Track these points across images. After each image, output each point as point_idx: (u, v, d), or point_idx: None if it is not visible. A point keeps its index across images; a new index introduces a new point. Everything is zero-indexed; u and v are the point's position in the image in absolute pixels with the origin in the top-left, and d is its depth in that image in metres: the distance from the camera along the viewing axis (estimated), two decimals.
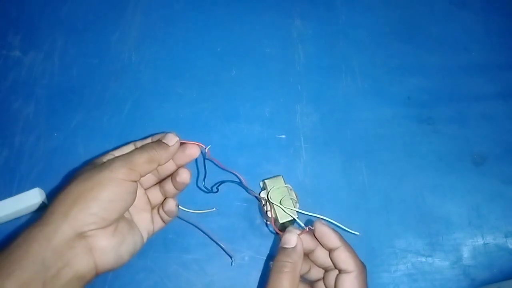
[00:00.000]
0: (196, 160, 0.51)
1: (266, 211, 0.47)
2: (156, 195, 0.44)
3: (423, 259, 0.49)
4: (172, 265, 0.47)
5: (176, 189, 0.43)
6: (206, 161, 0.49)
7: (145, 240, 0.41)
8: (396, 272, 0.48)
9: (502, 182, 0.53)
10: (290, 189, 0.47)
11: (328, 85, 0.58)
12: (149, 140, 0.42)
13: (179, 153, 0.42)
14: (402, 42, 0.62)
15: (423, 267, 0.49)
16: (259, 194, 0.48)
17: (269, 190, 0.47)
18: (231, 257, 0.47)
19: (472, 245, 0.50)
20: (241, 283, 0.47)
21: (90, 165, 0.37)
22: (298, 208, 0.46)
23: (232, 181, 0.50)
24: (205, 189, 0.50)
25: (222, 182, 0.50)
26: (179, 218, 0.48)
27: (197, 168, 0.51)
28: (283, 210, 0.46)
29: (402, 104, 0.58)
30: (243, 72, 0.59)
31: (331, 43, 0.61)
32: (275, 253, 0.48)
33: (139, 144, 0.41)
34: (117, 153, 0.40)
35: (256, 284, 0.47)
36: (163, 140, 0.40)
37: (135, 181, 0.37)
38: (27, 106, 0.55)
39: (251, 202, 0.50)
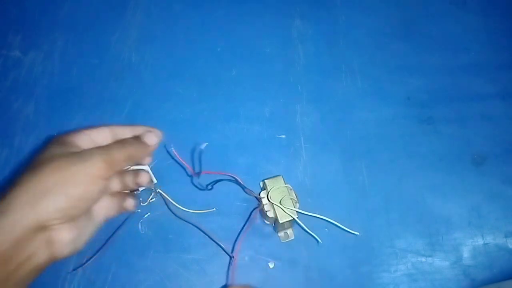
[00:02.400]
0: (192, 156, 0.51)
1: (266, 211, 0.47)
2: (115, 183, 0.41)
3: (423, 259, 0.49)
4: (172, 265, 0.47)
5: (136, 185, 0.41)
6: (203, 159, 0.50)
7: (101, 224, 0.39)
8: (396, 272, 0.48)
9: (502, 182, 0.53)
10: (290, 189, 0.47)
11: (328, 85, 0.58)
12: (127, 130, 0.39)
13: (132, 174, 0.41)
14: (402, 42, 0.62)
15: (423, 267, 0.49)
16: (259, 194, 0.48)
17: (269, 190, 0.47)
18: (231, 257, 0.47)
19: (472, 245, 0.50)
20: (241, 283, 0.47)
21: (63, 146, 0.35)
22: (298, 208, 0.46)
23: (230, 180, 0.50)
24: (199, 187, 0.50)
25: (218, 180, 0.50)
26: (179, 218, 0.49)
27: (193, 165, 0.51)
28: (283, 210, 0.46)
29: (402, 104, 0.58)
30: (243, 72, 0.59)
31: (331, 43, 0.62)
32: (275, 253, 0.48)
33: (116, 129, 0.39)
34: (93, 134, 0.37)
35: (256, 284, 0.47)
36: (144, 139, 0.38)
37: (108, 178, 0.35)
38: (27, 106, 0.55)
39: (251, 202, 0.50)
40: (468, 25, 0.64)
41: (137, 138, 0.38)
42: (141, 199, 0.49)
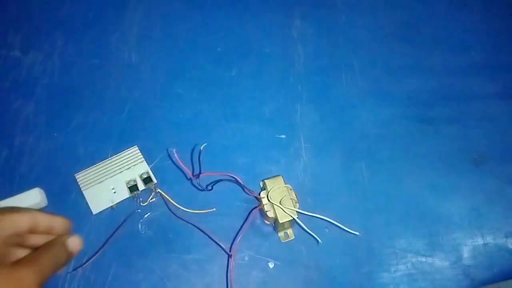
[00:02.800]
0: (192, 156, 0.52)
1: (266, 211, 0.47)
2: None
3: (423, 259, 0.49)
4: (172, 265, 0.47)
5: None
6: (203, 159, 0.50)
7: None
8: (396, 272, 0.48)
9: (502, 182, 0.53)
10: (290, 189, 0.47)
11: (328, 85, 0.58)
12: (47, 220, 0.33)
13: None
14: (402, 42, 0.62)
15: (423, 267, 0.49)
16: (259, 194, 0.48)
17: (269, 190, 0.47)
18: (229, 255, 0.47)
19: (472, 245, 0.50)
20: (241, 283, 0.47)
21: None
22: (298, 208, 0.46)
23: (230, 180, 0.50)
24: (199, 187, 0.50)
25: (218, 181, 0.50)
26: (179, 218, 0.49)
27: (193, 166, 0.51)
28: (283, 210, 0.46)
29: (402, 104, 0.58)
30: (243, 72, 0.59)
31: (331, 43, 0.61)
32: (275, 253, 0.48)
33: (37, 216, 0.32)
34: (14, 217, 0.31)
35: (256, 284, 0.47)
36: (70, 248, 0.32)
37: None
38: (27, 106, 0.55)
39: (251, 202, 0.50)
40: (468, 25, 0.64)
41: (63, 246, 0.32)
42: (141, 199, 0.49)
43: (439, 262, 0.49)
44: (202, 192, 0.50)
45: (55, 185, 0.50)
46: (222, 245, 0.48)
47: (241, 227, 0.49)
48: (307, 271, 0.48)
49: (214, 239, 0.48)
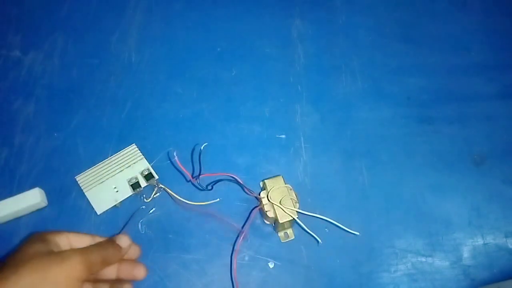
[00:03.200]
0: (192, 156, 0.52)
1: (266, 211, 0.47)
2: (109, 273, 0.40)
3: (423, 259, 0.49)
4: (172, 265, 0.47)
5: (133, 278, 0.40)
6: (203, 159, 0.50)
7: None
8: (396, 272, 0.48)
9: (502, 182, 0.53)
10: (290, 189, 0.47)
11: (328, 85, 0.58)
12: (108, 242, 0.38)
13: (127, 267, 0.40)
14: (402, 42, 0.62)
15: (423, 267, 0.49)
16: (259, 194, 0.48)
17: (269, 190, 0.47)
18: (231, 256, 0.47)
19: (472, 245, 0.50)
20: (241, 283, 0.47)
21: (43, 244, 0.34)
22: (298, 208, 0.46)
23: (230, 180, 0.50)
24: (199, 187, 0.50)
25: (218, 180, 0.50)
26: (179, 218, 0.49)
27: (193, 166, 0.51)
28: (283, 210, 0.46)
29: (402, 104, 0.58)
30: (243, 72, 0.59)
31: (331, 43, 0.62)
32: (275, 253, 0.48)
33: (97, 239, 0.38)
34: (73, 237, 0.36)
35: (256, 284, 0.47)
36: (117, 241, 0.38)
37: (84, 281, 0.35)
38: (27, 106, 0.55)
39: (251, 202, 0.50)
40: (468, 25, 0.64)
41: (112, 242, 0.38)
42: (144, 195, 0.49)
43: (439, 262, 0.49)
44: (202, 192, 0.50)
45: (55, 185, 0.50)
46: (222, 245, 0.48)
47: (241, 227, 0.49)
48: (307, 271, 0.48)
49: (214, 239, 0.48)
